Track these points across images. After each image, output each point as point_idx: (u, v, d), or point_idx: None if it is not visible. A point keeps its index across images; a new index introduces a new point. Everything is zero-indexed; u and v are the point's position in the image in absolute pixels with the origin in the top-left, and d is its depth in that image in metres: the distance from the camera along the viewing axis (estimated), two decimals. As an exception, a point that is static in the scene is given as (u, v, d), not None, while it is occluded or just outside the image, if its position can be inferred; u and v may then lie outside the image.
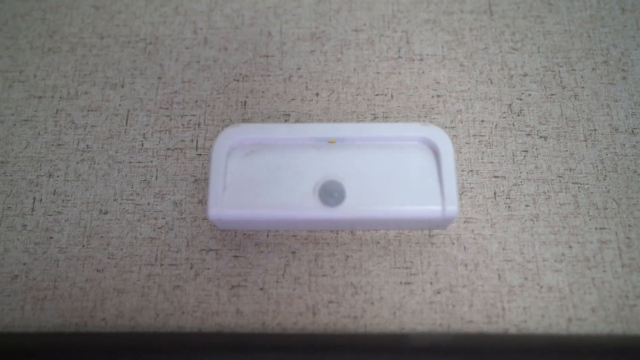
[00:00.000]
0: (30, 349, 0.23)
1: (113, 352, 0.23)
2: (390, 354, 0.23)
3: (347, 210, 0.23)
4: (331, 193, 0.23)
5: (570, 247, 0.25)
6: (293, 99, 0.29)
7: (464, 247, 0.25)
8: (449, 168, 0.23)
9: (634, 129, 0.27)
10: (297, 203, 0.23)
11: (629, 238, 0.25)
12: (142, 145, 0.28)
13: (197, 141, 0.28)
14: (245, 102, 0.29)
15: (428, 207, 0.23)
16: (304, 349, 0.24)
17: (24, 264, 0.26)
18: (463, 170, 0.27)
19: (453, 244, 0.25)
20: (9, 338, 0.24)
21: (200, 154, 0.28)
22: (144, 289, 0.25)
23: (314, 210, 0.23)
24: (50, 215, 0.27)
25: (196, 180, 0.27)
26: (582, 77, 0.28)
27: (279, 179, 0.24)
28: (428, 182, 0.23)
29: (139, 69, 0.30)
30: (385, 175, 0.24)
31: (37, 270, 0.26)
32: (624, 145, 0.27)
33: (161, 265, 0.25)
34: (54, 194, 0.27)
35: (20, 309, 0.25)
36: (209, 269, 0.25)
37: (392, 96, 0.28)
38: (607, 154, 0.27)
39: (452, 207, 0.23)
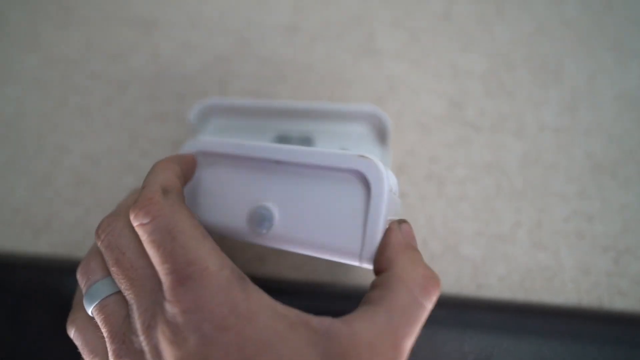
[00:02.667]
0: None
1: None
2: (316, 298, 0.27)
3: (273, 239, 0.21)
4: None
5: (488, 224, 0.29)
6: (266, 80, 0.33)
7: (397, 217, 0.29)
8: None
9: (559, 128, 0.31)
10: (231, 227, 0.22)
11: (539, 220, 0.29)
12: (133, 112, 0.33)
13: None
14: (225, 81, 0.33)
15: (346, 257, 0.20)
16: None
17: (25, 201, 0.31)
18: (405, 151, 0.31)
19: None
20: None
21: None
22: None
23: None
24: (50, 162, 0.31)
25: (174, 143, 0.32)
26: (519, 78, 0.32)
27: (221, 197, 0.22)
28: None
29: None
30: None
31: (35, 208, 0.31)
32: (547, 141, 0.30)
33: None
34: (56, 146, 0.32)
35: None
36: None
37: (351, 84, 0.32)
38: (530, 148, 0.30)
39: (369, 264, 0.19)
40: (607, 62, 0.32)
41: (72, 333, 0.19)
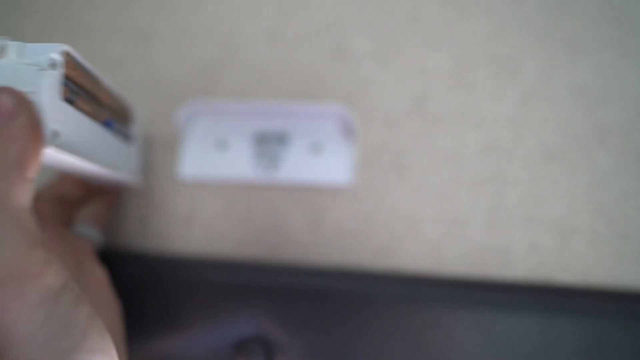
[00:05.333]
0: None
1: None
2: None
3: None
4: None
5: (447, 208, 0.32)
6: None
7: (361, 202, 0.33)
8: None
9: (515, 119, 0.33)
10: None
11: (494, 204, 0.32)
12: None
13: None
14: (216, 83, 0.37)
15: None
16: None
17: None
18: (373, 145, 0.34)
19: (353, 198, 0.33)
20: None
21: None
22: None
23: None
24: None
25: (169, 142, 0.36)
26: (480, 75, 0.35)
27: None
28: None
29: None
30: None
31: None
32: (504, 131, 0.33)
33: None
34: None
35: None
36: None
37: (325, 85, 0.36)
38: (488, 138, 0.33)
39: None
40: (560, 57, 0.34)
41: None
